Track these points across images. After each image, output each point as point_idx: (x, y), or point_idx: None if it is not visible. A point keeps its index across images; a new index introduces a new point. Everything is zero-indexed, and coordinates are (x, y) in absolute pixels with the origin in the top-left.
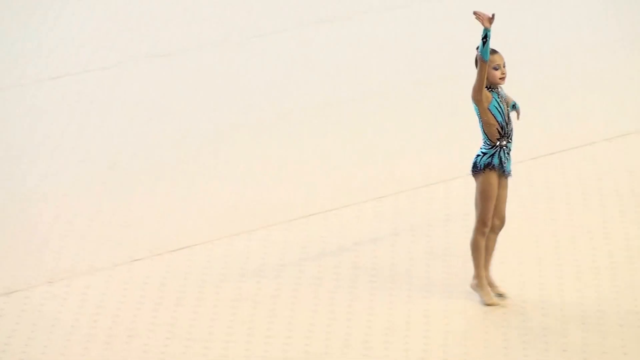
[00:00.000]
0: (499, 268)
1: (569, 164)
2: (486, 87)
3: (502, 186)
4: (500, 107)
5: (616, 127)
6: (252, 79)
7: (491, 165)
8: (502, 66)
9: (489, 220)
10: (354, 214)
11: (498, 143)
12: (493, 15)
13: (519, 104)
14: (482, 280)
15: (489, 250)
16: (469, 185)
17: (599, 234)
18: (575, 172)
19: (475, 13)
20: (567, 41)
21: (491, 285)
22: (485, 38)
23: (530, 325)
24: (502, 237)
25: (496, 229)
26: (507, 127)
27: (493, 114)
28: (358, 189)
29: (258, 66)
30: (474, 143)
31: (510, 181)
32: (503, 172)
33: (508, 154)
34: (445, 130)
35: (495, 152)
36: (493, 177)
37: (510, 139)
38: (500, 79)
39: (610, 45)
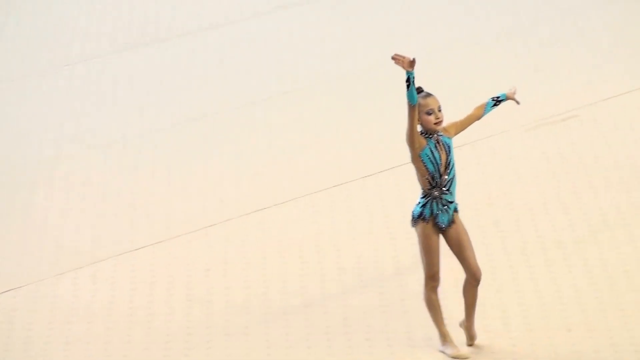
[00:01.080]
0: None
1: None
2: (422, 132)
3: (453, 235)
4: (434, 156)
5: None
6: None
7: (422, 216)
8: (436, 110)
9: (435, 274)
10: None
11: (430, 193)
12: (414, 59)
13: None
14: (444, 338)
15: (469, 305)
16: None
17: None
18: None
19: (394, 58)
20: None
21: (472, 337)
22: (408, 82)
23: None
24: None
25: (471, 281)
26: (441, 178)
27: (424, 162)
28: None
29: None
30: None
31: None
32: (436, 224)
33: (444, 205)
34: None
35: (427, 203)
36: (428, 228)
37: (448, 190)
38: (434, 124)
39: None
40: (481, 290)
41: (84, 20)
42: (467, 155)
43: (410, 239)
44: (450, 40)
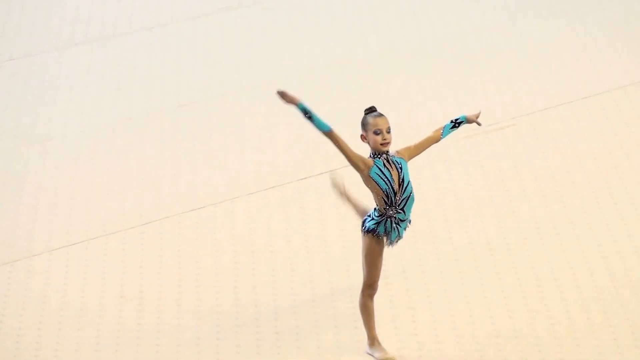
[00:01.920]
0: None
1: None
2: (371, 154)
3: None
4: (384, 173)
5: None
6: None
7: (375, 232)
8: (384, 131)
9: (374, 284)
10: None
11: (385, 212)
12: (280, 91)
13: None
14: (372, 342)
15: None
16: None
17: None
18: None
19: (280, 95)
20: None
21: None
22: (304, 113)
23: None
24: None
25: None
26: (396, 197)
27: (375, 181)
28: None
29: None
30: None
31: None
32: (388, 241)
33: (397, 224)
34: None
35: (382, 221)
36: (375, 242)
37: (403, 209)
38: (381, 144)
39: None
40: (411, 295)
41: (24, 17)
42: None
43: (329, 241)
44: (384, 50)
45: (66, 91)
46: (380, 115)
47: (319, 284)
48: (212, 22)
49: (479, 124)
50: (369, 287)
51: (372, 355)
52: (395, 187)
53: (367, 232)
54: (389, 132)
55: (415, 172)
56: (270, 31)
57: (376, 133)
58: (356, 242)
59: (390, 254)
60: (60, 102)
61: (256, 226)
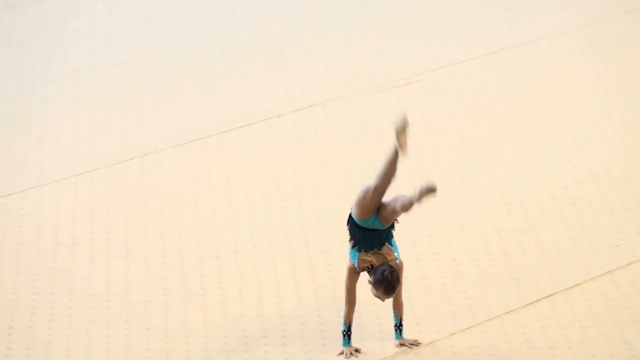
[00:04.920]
0: None
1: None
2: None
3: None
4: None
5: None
6: None
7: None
8: (383, 301)
9: (352, 307)
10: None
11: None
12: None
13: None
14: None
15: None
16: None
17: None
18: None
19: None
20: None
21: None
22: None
23: None
24: None
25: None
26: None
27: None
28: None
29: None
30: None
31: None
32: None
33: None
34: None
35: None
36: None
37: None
38: (376, 297)
39: None
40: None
41: None
42: (319, 115)
43: (251, 188)
44: (300, 11)
45: (1, 49)
46: (390, 293)
47: (241, 227)
48: None
49: (409, 346)
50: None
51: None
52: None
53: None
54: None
55: (328, 128)
56: None
57: (380, 298)
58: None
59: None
60: None
61: (181, 177)
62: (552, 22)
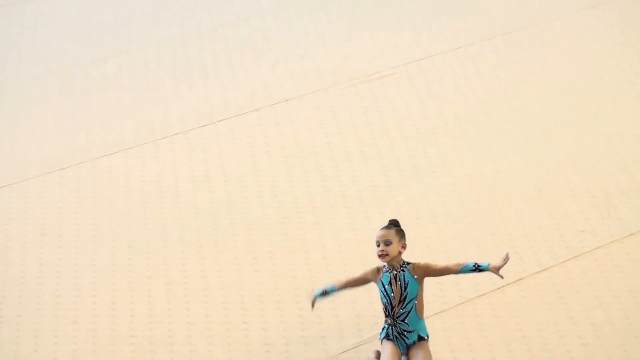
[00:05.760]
0: None
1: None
2: (386, 266)
3: (414, 354)
4: (386, 290)
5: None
6: None
7: (380, 339)
8: (382, 243)
9: None
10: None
11: (386, 319)
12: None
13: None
14: None
15: None
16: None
17: None
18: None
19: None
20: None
21: None
22: (324, 294)
23: None
24: None
25: None
26: (394, 310)
27: (379, 293)
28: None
29: None
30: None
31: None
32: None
33: (400, 334)
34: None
35: (385, 327)
36: (383, 345)
37: (404, 321)
38: (379, 255)
39: None
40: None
41: None
42: (294, 109)
43: (229, 180)
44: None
45: None
46: (384, 227)
47: (220, 219)
48: None
49: (501, 277)
50: None
51: None
52: (395, 302)
53: (380, 339)
54: (387, 244)
55: (304, 122)
56: None
57: (377, 245)
58: (251, 179)
59: None
60: None
61: (163, 169)
62: (521, 16)
